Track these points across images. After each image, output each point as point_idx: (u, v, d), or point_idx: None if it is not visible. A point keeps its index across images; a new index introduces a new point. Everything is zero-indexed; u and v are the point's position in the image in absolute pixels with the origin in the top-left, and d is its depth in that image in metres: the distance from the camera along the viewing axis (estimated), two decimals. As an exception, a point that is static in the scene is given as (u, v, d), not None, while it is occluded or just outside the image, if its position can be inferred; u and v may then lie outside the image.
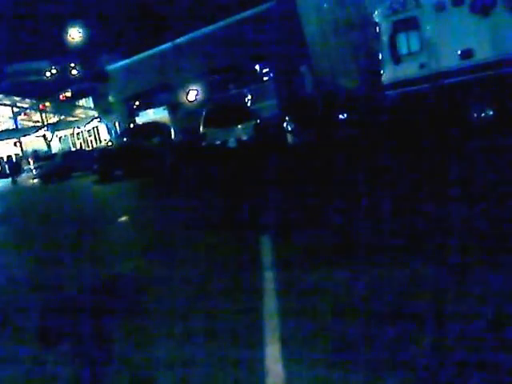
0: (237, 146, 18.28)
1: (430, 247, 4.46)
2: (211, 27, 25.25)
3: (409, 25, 11.80)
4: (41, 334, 4.09)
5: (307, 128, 17.68)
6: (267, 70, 23.46)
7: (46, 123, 46.91)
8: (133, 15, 33.92)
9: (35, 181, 27.35)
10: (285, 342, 3.10)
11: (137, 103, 28.77)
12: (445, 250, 4.26)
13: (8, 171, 37.49)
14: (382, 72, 12.59)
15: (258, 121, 19.44)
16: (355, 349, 2.91)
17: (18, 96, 45.03)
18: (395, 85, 12.17)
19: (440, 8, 11.34)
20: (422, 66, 11.71)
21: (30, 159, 39.69)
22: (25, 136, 45.37)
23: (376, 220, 5.74)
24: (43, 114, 47.62)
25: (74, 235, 7.93)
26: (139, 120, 27.67)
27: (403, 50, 12.04)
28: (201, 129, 19.01)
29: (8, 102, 45.48)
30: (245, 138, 18.38)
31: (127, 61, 28.94)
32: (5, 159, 42.37)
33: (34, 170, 28.83)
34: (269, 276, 4.36)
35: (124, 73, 28.96)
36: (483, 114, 11.30)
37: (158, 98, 27.44)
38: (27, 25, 51.31)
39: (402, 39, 11.99)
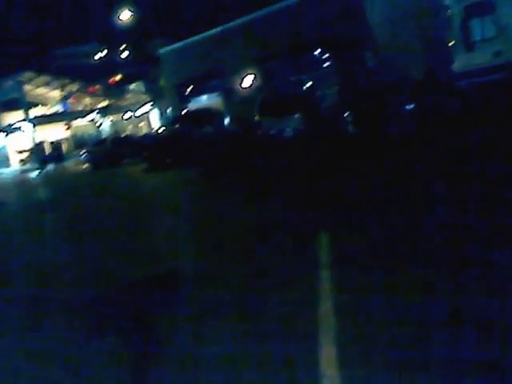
0: (294, 136, 17.38)
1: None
2: (266, 10, 24.10)
3: (483, 9, 10.82)
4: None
5: (362, 120, 16.64)
6: (328, 55, 22.13)
7: (95, 107, 46.84)
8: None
9: (84, 166, 27.17)
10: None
11: (189, 89, 27.92)
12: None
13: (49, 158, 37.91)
14: (453, 60, 11.57)
15: (318, 110, 18.49)
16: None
17: (67, 79, 44.86)
18: (467, 74, 11.23)
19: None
20: (497, 53, 10.76)
21: (78, 144, 39.91)
22: (75, 119, 45.27)
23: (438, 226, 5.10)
24: (93, 98, 47.64)
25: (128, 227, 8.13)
26: (191, 106, 26.88)
27: (476, 36, 11.19)
28: (256, 117, 18.31)
29: (57, 85, 45.51)
30: (302, 127, 17.48)
31: (179, 44, 28.11)
32: (44, 144, 42.68)
33: (82, 156, 28.72)
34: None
35: (176, 57, 28.16)
36: None
37: (211, 84, 26.53)
38: (77, 6, 51.61)
39: (475, 24, 11.12)
